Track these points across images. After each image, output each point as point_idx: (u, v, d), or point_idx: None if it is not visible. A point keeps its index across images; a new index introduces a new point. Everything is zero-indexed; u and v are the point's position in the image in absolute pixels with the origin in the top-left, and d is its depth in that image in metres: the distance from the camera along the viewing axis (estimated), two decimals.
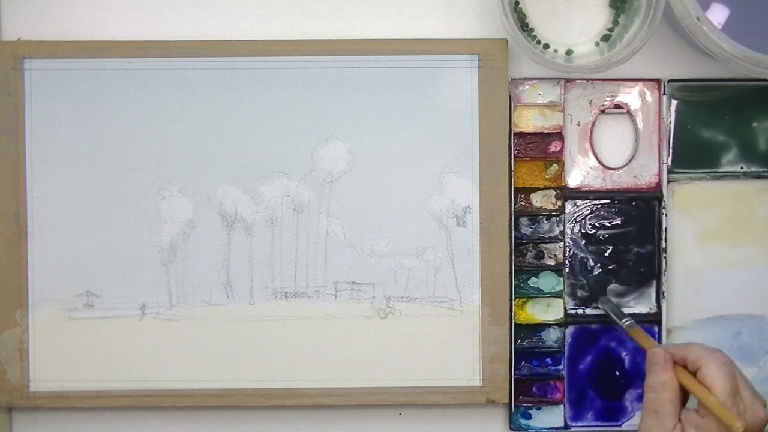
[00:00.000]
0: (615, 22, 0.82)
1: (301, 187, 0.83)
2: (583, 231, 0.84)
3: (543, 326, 0.84)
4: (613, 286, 0.84)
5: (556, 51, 0.82)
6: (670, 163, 0.84)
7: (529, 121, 0.83)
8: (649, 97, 0.84)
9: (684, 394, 0.74)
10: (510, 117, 0.83)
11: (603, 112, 0.84)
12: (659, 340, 0.83)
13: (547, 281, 0.84)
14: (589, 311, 0.84)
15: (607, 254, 0.84)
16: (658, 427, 0.72)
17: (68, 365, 0.83)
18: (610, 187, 0.84)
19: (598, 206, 0.84)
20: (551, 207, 0.84)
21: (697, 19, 0.76)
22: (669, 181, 0.84)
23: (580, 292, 0.84)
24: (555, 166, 0.84)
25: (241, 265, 0.83)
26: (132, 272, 0.83)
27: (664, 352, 0.74)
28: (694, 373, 0.73)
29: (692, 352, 0.73)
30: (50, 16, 0.84)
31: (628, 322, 0.79)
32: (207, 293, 0.83)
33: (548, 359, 0.84)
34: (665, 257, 0.83)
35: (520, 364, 0.84)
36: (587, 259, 0.84)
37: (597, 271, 0.84)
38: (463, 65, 0.82)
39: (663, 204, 0.83)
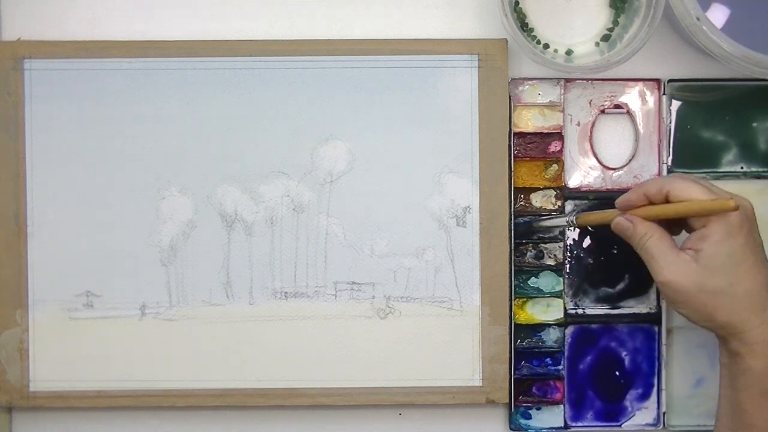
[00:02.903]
0: (615, 22, 0.82)
1: (301, 187, 0.83)
2: (582, 231, 0.84)
3: (543, 326, 0.84)
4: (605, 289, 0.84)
5: (556, 51, 0.82)
6: (670, 163, 0.84)
7: (529, 121, 0.83)
8: (649, 97, 0.84)
9: (670, 227, 0.75)
10: (510, 117, 0.83)
11: (603, 112, 0.84)
12: (659, 340, 0.83)
13: (547, 281, 0.84)
14: (588, 311, 0.84)
15: (607, 254, 0.84)
16: (663, 266, 0.73)
17: (68, 365, 0.83)
18: (610, 187, 0.84)
19: (598, 206, 0.84)
20: (551, 207, 0.84)
21: (697, 19, 0.76)
22: None
23: (580, 292, 0.84)
24: (555, 166, 0.84)
25: (241, 265, 0.83)
26: (132, 272, 0.83)
27: (622, 216, 0.75)
28: (664, 203, 0.74)
29: (651, 186, 0.74)
30: (50, 16, 0.84)
31: (572, 217, 0.80)
32: (207, 293, 0.83)
33: (548, 359, 0.84)
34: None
35: (520, 364, 0.84)
36: (587, 259, 0.84)
37: (597, 271, 0.84)
38: (463, 65, 0.82)
39: None
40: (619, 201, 0.77)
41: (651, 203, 0.75)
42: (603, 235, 0.84)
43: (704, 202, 0.72)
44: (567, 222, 0.80)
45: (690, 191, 0.72)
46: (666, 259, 0.73)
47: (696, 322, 0.75)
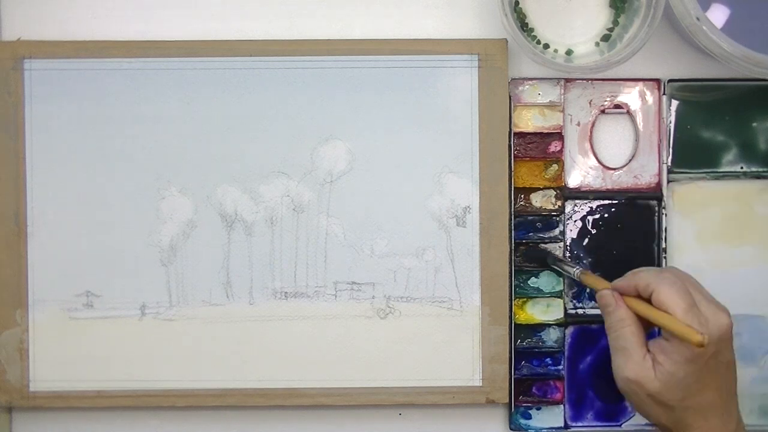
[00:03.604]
0: (615, 22, 0.82)
1: (301, 187, 0.83)
2: (582, 231, 0.84)
3: (543, 326, 0.84)
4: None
5: (556, 51, 0.82)
6: (670, 163, 0.84)
7: (529, 121, 0.83)
8: (649, 97, 0.84)
9: (647, 325, 0.74)
10: (510, 117, 0.83)
11: (603, 112, 0.84)
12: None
13: (547, 281, 0.84)
14: (588, 311, 0.84)
15: (607, 254, 0.84)
16: (628, 362, 0.73)
17: (68, 365, 0.83)
18: (610, 187, 0.84)
19: (598, 206, 0.84)
20: (551, 207, 0.84)
21: (697, 19, 0.76)
22: (669, 181, 0.84)
23: (579, 292, 0.84)
24: (555, 166, 0.84)
25: (241, 265, 0.83)
26: (132, 272, 0.83)
27: (612, 291, 0.75)
28: (648, 300, 0.73)
29: (641, 279, 0.74)
30: (50, 16, 0.84)
31: (578, 270, 0.79)
32: (207, 293, 0.83)
33: (548, 359, 0.84)
34: (665, 257, 0.83)
35: (520, 364, 0.84)
36: (587, 259, 0.84)
37: (597, 271, 0.84)
38: (463, 65, 0.82)
39: (663, 204, 0.83)
40: (613, 283, 0.76)
41: (639, 295, 0.74)
42: (603, 235, 0.84)
43: (674, 323, 0.70)
44: (574, 274, 0.80)
45: (670, 302, 0.71)
46: (633, 357, 0.73)
47: (646, 418, 0.75)
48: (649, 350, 0.73)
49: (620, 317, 0.74)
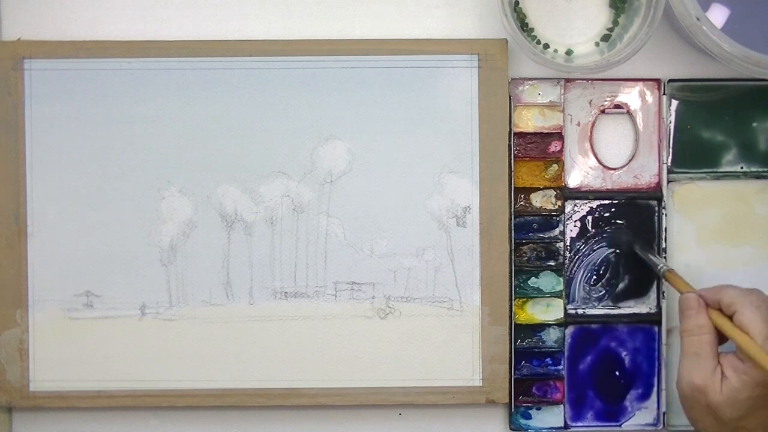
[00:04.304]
0: (615, 22, 0.82)
1: (301, 187, 0.83)
2: (582, 231, 0.84)
3: (543, 326, 0.84)
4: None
5: (556, 51, 0.82)
6: (670, 163, 0.84)
7: (529, 121, 0.83)
8: (649, 97, 0.84)
9: (720, 337, 0.74)
10: (510, 117, 0.83)
11: (603, 112, 0.84)
12: (659, 340, 0.84)
13: (547, 281, 0.84)
14: (588, 311, 0.84)
15: (606, 254, 0.84)
16: (699, 369, 0.73)
17: (68, 365, 0.83)
18: (610, 187, 0.84)
19: (598, 206, 0.84)
20: (551, 207, 0.84)
21: (697, 19, 0.76)
22: (669, 181, 0.84)
23: (579, 292, 0.84)
24: (555, 166, 0.84)
25: (240, 265, 0.83)
26: (132, 272, 0.83)
27: (697, 296, 0.75)
28: (729, 317, 0.73)
29: (727, 295, 0.74)
30: (50, 16, 0.84)
31: (665, 268, 0.80)
32: (207, 293, 0.83)
33: (548, 359, 0.84)
34: (665, 257, 0.83)
35: (520, 364, 0.84)
36: (587, 259, 0.84)
37: (597, 271, 0.84)
38: (463, 65, 0.82)
39: (663, 204, 0.83)
40: (699, 290, 0.76)
41: (720, 309, 0.75)
42: (602, 235, 0.84)
43: (754, 348, 0.71)
44: (659, 269, 0.80)
45: (752, 326, 0.72)
46: (704, 365, 0.73)
47: (694, 426, 0.76)
48: (719, 362, 0.73)
49: (700, 323, 0.74)
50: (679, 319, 0.77)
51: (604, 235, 0.84)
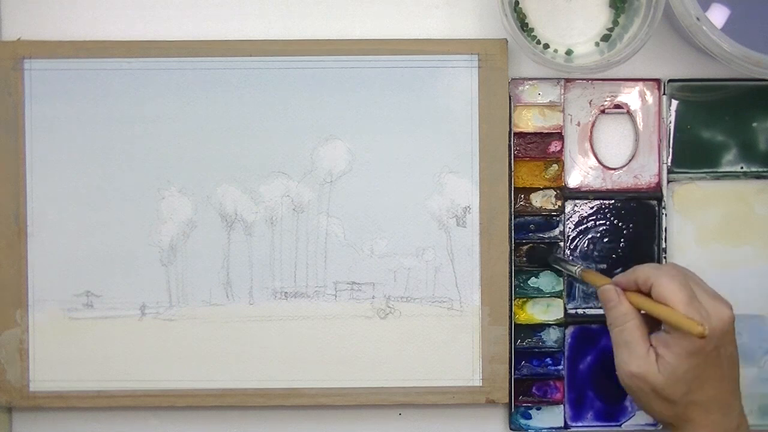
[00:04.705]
0: (615, 22, 0.82)
1: (301, 187, 0.83)
2: (582, 231, 0.84)
3: (543, 326, 0.84)
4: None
5: (556, 51, 0.82)
6: (670, 163, 0.84)
7: (529, 121, 0.83)
8: (649, 97, 0.84)
9: (651, 320, 0.74)
10: (510, 117, 0.83)
11: (603, 112, 0.84)
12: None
13: (547, 281, 0.84)
14: (588, 311, 0.84)
15: (606, 254, 0.84)
16: (632, 356, 0.73)
17: (68, 365, 0.83)
18: (610, 187, 0.84)
19: (598, 206, 0.84)
20: (551, 207, 0.84)
21: (697, 19, 0.76)
22: (669, 181, 0.84)
23: (579, 292, 0.84)
24: (555, 166, 0.84)
25: (241, 265, 0.83)
26: (132, 272, 0.83)
27: (614, 287, 0.74)
28: (648, 294, 0.73)
29: (641, 274, 0.73)
30: (50, 16, 0.84)
31: (580, 269, 0.79)
32: (207, 293, 0.83)
33: (548, 359, 0.84)
34: (665, 257, 0.83)
35: (520, 364, 0.84)
36: (586, 259, 0.84)
37: (595, 268, 0.84)
38: (463, 65, 0.82)
39: (663, 204, 0.83)
40: (614, 279, 0.76)
41: (639, 290, 0.74)
42: (602, 235, 0.84)
43: (675, 314, 0.70)
44: (575, 272, 0.80)
45: (670, 295, 0.71)
46: (636, 351, 0.73)
47: (648, 414, 0.76)
48: (651, 345, 0.73)
49: (623, 312, 0.74)
50: (604, 314, 0.76)
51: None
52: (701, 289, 0.73)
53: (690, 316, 0.70)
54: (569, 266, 0.80)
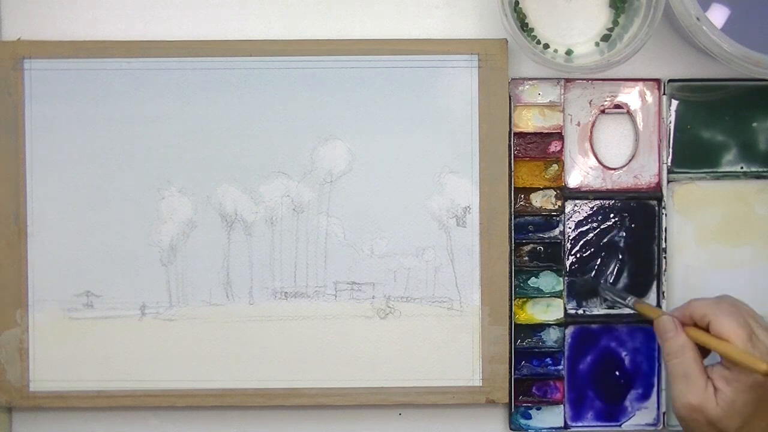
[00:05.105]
0: (615, 22, 0.82)
1: (301, 187, 0.83)
2: (582, 231, 0.84)
3: (543, 326, 0.84)
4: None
5: (556, 51, 0.82)
6: (670, 163, 0.84)
7: (529, 121, 0.83)
8: (649, 97, 0.84)
9: (704, 351, 0.74)
10: (510, 117, 0.83)
11: (603, 112, 0.84)
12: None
13: (547, 281, 0.84)
14: (588, 311, 0.84)
15: (606, 254, 0.84)
16: (691, 389, 0.73)
17: (68, 365, 0.83)
18: (610, 187, 0.84)
19: (598, 206, 0.84)
20: (551, 207, 0.84)
21: (697, 19, 0.76)
22: (669, 181, 0.84)
23: (580, 293, 0.84)
24: (555, 166, 0.84)
25: (241, 265, 0.83)
26: (132, 272, 0.83)
27: (671, 318, 0.75)
28: (705, 329, 0.74)
29: (697, 308, 0.74)
30: (50, 16, 0.84)
31: (632, 300, 0.80)
32: (207, 293, 0.83)
33: (548, 359, 0.84)
34: (665, 257, 0.83)
35: (520, 364, 0.84)
36: (587, 259, 0.84)
37: (597, 271, 0.84)
38: (463, 65, 0.82)
39: (663, 204, 0.83)
40: (669, 311, 0.77)
41: (694, 323, 0.75)
42: (603, 235, 0.84)
43: (738, 352, 0.72)
44: (627, 303, 0.80)
45: (730, 332, 0.72)
46: (695, 384, 0.73)
47: None
48: (708, 377, 0.73)
49: (681, 344, 0.74)
50: (660, 344, 0.76)
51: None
52: (757, 324, 0.74)
53: (752, 353, 0.71)
54: (620, 297, 0.81)
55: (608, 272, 0.84)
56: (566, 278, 0.84)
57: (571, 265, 0.84)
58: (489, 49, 0.82)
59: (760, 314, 0.81)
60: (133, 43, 0.82)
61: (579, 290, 0.84)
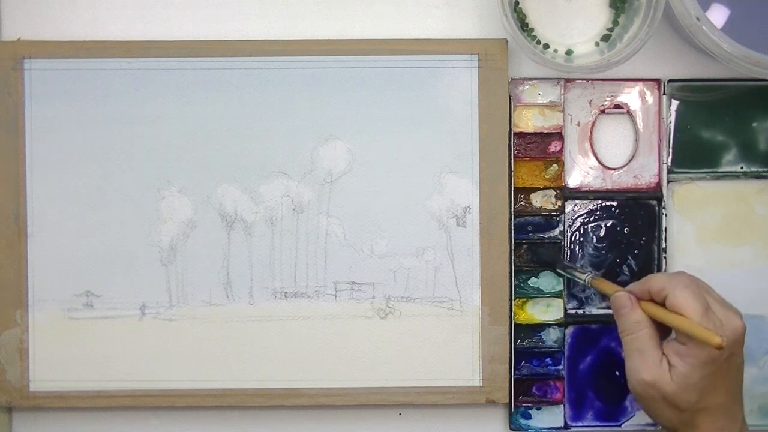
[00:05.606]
0: (615, 22, 0.82)
1: (301, 187, 0.83)
2: (582, 231, 0.84)
3: (543, 326, 0.84)
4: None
5: (556, 51, 0.82)
6: (670, 163, 0.84)
7: (529, 121, 0.83)
8: (649, 97, 0.84)
9: (661, 327, 0.74)
10: (510, 117, 0.83)
11: (603, 112, 0.84)
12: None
13: (547, 281, 0.84)
14: (588, 311, 0.84)
15: (607, 254, 0.84)
16: (645, 364, 0.73)
17: (68, 365, 0.83)
18: (610, 187, 0.84)
19: (598, 206, 0.84)
20: (551, 207, 0.84)
21: (697, 19, 0.76)
22: (669, 181, 0.84)
23: (579, 293, 0.84)
24: (555, 166, 0.84)
25: (241, 265, 0.83)
26: (132, 272, 0.83)
27: (627, 293, 0.75)
28: (662, 304, 0.73)
29: (654, 283, 0.74)
30: (50, 16, 0.84)
31: (589, 276, 0.80)
32: (207, 293, 0.83)
33: (548, 359, 0.84)
34: (665, 257, 0.83)
35: (520, 364, 0.84)
36: (587, 259, 0.84)
37: (598, 272, 0.84)
38: (463, 65, 0.82)
39: (663, 204, 0.83)
40: (626, 288, 0.76)
41: (651, 299, 0.74)
42: (603, 235, 0.84)
43: (692, 326, 0.71)
44: (584, 280, 0.80)
45: (685, 305, 0.72)
46: (649, 359, 0.73)
47: (655, 421, 0.76)
48: (663, 353, 0.73)
49: (636, 319, 0.74)
50: (616, 321, 0.76)
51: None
52: (713, 299, 0.73)
53: (707, 328, 0.70)
54: (578, 273, 0.81)
55: (609, 273, 0.84)
56: (566, 279, 0.84)
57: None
58: (489, 49, 0.82)
59: (759, 314, 0.82)
60: (133, 43, 0.82)
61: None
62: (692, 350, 0.72)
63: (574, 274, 0.81)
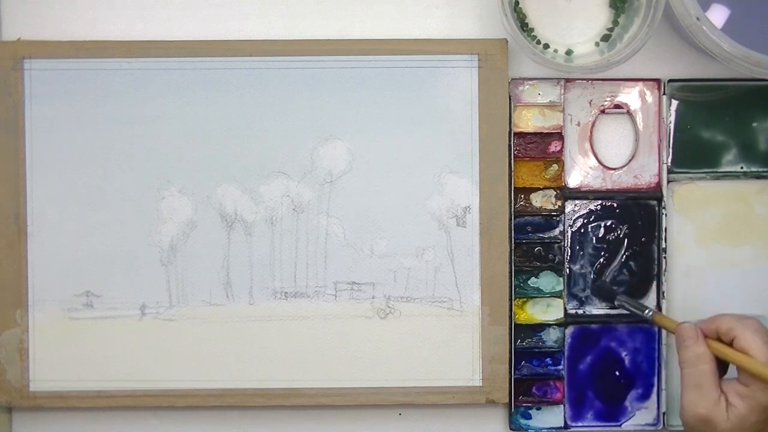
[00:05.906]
0: (615, 22, 0.82)
1: (301, 187, 0.83)
2: (582, 231, 0.84)
3: (543, 326, 0.84)
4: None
5: (556, 51, 0.82)
6: (670, 163, 0.84)
7: (529, 121, 0.83)
8: (649, 97, 0.84)
9: (721, 367, 0.74)
10: (510, 117, 0.83)
11: (603, 112, 0.84)
12: (659, 340, 0.83)
13: (547, 281, 0.84)
14: (588, 311, 0.84)
15: (606, 254, 0.84)
16: (702, 400, 0.73)
17: (68, 365, 0.83)
18: (610, 187, 0.84)
19: (598, 206, 0.84)
20: (551, 207, 0.84)
21: (697, 19, 0.76)
22: (669, 181, 0.84)
23: (580, 293, 0.84)
24: (555, 166, 0.84)
25: (240, 265, 0.83)
26: (132, 272, 0.83)
27: (694, 326, 0.75)
28: (728, 344, 0.73)
29: (723, 323, 0.74)
30: (50, 16, 0.84)
31: (650, 312, 0.80)
32: (207, 293, 0.83)
33: (548, 359, 0.84)
34: (665, 257, 0.83)
35: (520, 364, 0.84)
36: (587, 259, 0.84)
37: (598, 271, 0.84)
38: (463, 65, 0.82)
39: (663, 204, 0.83)
40: (694, 322, 0.76)
41: (718, 338, 0.74)
42: (602, 235, 0.84)
43: (757, 365, 0.71)
44: (645, 315, 0.80)
45: (754, 347, 0.72)
46: (708, 395, 0.73)
47: None
48: (722, 391, 0.73)
49: (699, 353, 0.74)
50: (677, 351, 0.76)
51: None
52: None
53: None
54: (638, 309, 0.81)
55: (607, 272, 0.84)
56: (565, 279, 0.84)
57: (570, 266, 0.84)
58: (489, 49, 0.82)
59: (759, 314, 0.81)
60: (133, 43, 0.82)
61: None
62: (754, 392, 0.72)
63: (632, 311, 0.81)
